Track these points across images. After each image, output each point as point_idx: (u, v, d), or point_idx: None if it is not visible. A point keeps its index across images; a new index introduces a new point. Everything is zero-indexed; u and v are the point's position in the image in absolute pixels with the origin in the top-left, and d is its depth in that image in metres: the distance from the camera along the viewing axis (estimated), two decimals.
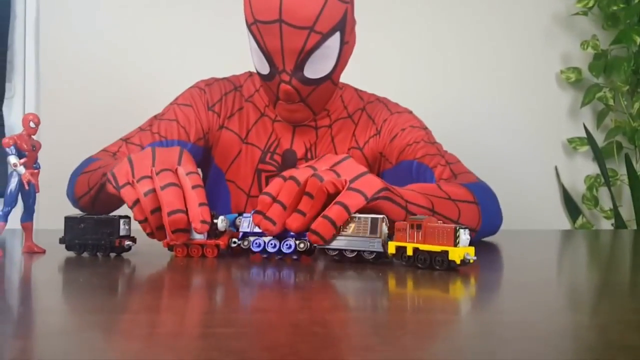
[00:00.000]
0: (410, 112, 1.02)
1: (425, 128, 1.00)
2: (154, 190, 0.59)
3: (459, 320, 0.32)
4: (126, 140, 0.96)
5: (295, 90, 0.88)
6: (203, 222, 0.58)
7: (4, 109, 1.80)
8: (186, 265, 0.55)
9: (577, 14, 1.91)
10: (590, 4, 1.88)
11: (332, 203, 0.56)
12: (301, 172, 0.58)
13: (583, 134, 1.91)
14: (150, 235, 0.62)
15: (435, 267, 0.52)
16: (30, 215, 0.66)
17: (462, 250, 0.50)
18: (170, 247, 0.63)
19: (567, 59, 1.98)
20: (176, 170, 0.62)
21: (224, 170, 1.01)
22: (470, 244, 0.51)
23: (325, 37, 0.84)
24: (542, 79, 1.97)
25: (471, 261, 0.50)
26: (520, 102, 1.97)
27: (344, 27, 0.87)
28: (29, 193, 0.64)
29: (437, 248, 0.51)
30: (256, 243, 0.59)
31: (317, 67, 0.87)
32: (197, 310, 0.34)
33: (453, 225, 0.51)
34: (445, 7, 1.95)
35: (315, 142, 0.98)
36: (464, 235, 0.50)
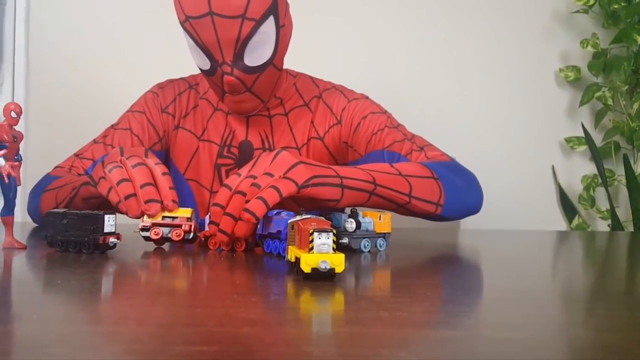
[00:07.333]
0: (367, 98, 1.03)
1: (385, 112, 1.00)
2: (122, 167, 0.64)
3: (447, 328, 0.29)
4: (78, 155, 0.98)
5: (239, 81, 0.87)
6: (173, 201, 0.64)
7: None
8: (171, 265, 0.53)
9: (577, 11, 1.89)
10: (591, 2, 1.85)
11: (266, 186, 0.61)
12: (244, 186, 0.63)
13: (581, 134, 1.89)
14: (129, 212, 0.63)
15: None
16: (11, 209, 0.64)
17: (316, 257, 0.43)
18: (206, 240, 0.66)
19: (567, 57, 1.95)
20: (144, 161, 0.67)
21: (183, 170, 1.02)
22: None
23: (259, 22, 0.84)
24: (540, 77, 1.95)
25: (337, 271, 0.43)
26: (518, 100, 1.94)
27: (277, 10, 0.86)
28: (9, 186, 0.62)
29: (299, 254, 0.45)
30: (267, 244, 0.63)
31: (257, 54, 0.86)
32: (177, 322, 0.31)
33: (311, 228, 0.44)
34: (444, 4, 1.92)
35: (271, 131, 0.99)
36: (319, 240, 0.43)
